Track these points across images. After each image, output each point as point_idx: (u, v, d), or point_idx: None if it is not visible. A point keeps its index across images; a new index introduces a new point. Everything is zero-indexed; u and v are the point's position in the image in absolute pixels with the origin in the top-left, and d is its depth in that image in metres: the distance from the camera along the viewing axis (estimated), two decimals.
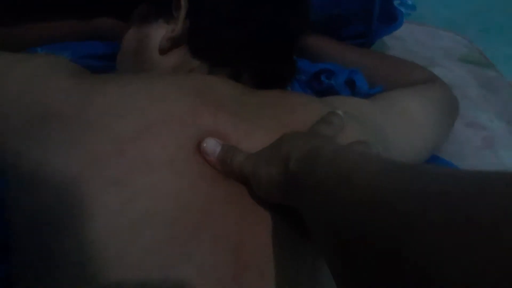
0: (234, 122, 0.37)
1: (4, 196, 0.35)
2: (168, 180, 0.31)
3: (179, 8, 0.44)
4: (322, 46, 0.68)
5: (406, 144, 0.52)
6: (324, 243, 0.24)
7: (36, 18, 0.55)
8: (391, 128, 0.50)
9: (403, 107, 0.55)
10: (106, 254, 0.28)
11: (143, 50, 0.46)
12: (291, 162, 0.28)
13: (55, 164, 0.32)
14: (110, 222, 0.29)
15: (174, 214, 0.30)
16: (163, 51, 0.45)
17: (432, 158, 0.62)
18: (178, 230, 0.29)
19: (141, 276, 0.27)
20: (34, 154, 0.33)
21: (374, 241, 0.19)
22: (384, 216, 0.19)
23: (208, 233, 0.30)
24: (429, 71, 0.68)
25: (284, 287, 0.29)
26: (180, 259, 0.28)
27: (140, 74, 0.41)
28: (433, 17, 1.10)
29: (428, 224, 0.16)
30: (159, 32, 0.46)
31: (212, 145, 0.33)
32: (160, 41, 0.44)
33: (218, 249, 0.29)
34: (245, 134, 0.36)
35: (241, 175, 0.32)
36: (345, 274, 0.21)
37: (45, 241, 0.30)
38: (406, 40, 0.93)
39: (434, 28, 1.03)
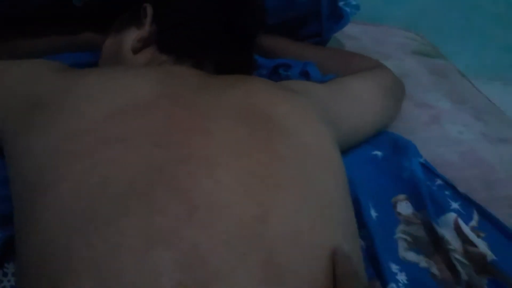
0: (190, 110, 0.42)
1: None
2: (123, 152, 0.37)
3: (146, 15, 0.54)
4: (279, 45, 0.78)
5: (352, 116, 0.61)
6: None
7: (28, 34, 0.64)
8: (338, 105, 0.59)
9: (350, 88, 0.64)
10: (75, 208, 0.33)
11: (119, 52, 0.56)
12: None
13: (39, 141, 0.39)
14: (76, 184, 0.35)
15: (130, 176, 0.35)
16: (135, 50, 0.54)
17: (383, 133, 0.70)
18: (135, 187, 0.34)
19: (105, 217, 0.32)
20: (25, 133, 0.41)
21: None
22: None
23: (164, 187, 0.35)
24: (374, 59, 0.77)
25: (231, 222, 0.34)
26: (139, 205, 0.33)
27: (114, 67, 0.50)
28: (389, 17, 1.21)
29: None
30: (132, 37, 0.55)
31: None
32: (132, 42, 0.54)
33: (171, 197, 0.34)
34: (200, 123, 0.41)
35: None
36: None
37: (26, 204, 0.37)
38: (362, 39, 1.03)
39: (389, 27, 1.14)
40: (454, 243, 0.54)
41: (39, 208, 0.35)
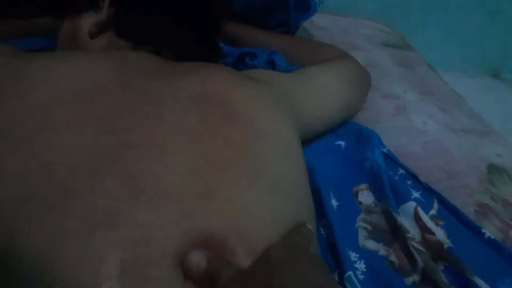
0: (141, 96, 0.41)
1: None
2: (67, 137, 0.36)
3: None
4: (245, 33, 0.77)
5: (317, 105, 0.61)
6: None
7: None
8: (301, 93, 0.59)
9: (315, 77, 0.64)
10: (17, 195, 0.32)
11: (76, 37, 0.54)
12: None
13: None
14: (18, 170, 0.34)
15: (74, 161, 0.34)
16: (92, 35, 0.52)
17: (347, 124, 0.71)
18: (78, 172, 0.34)
19: (47, 202, 0.32)
20: None
21: None
22: None
23: (108, 171, 0.34)
24: (341, 49, 0.77)
25: (176, 200, 0.34)
26: (82, 189, 0.33)
27: (66, 51, 0.48)
28: (359, 9, 1.21)
29: None
30: (89, 21, 0.53)
31: (197, 259, 0.31)
32: (89, 27, 0.52)
33: (116, 181, 0.34)
34: (151, 108, 0.40)
35: None
36: None
37: None
38: (331, 30, 1.03)
39: (359, 19, 1.14)
40: (413, 231, 0.55)
41: None
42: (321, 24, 1.00)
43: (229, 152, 0.39)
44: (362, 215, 0.57)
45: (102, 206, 0.32)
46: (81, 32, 0.53)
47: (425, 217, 0.56)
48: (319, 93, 0.62)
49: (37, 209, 0.32)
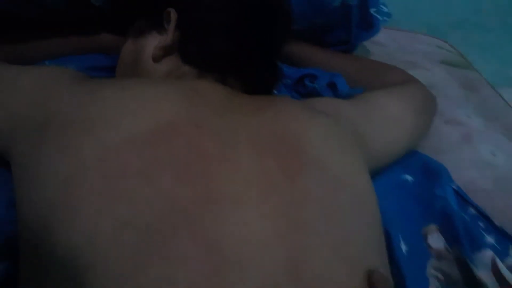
0: (216, 137, 0.38)
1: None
2: (142, 186, 0.32)
3: (170, 21, 0.49)
4: (306, 53, 0.73)
5: (384, 138, 0.56)
6: None
7: (43, 35, 0.59)
8: (368, 124, 0.55)
9: (380, 105, 0.59)
10: (88, 254, 0.29)
11: (139, 59, 0.51)
12: None
13: (50, 167, 0.35)
14: (92, 225, 0.30)
15: (148, 219, 0.31)
16: (156, 59, 0.49)
17: (413, 155, 0.66)
18: (154, 233, 0.30)
19: (120, 272, 0.28)
20: (35, 156, 0.37)
21: None
22: None
23: (188, 234, 0.31)
24: (407, 72, 0.72)
25: (260, 279, 0.30)
26: (159, 256, 0.29)
27: (131, 80, 0.44)
28: (415, 23, 1.15)
29: None
30: (153, 43, 0.51)
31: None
32: (153, 50, 0.49)
33: (196, 248, 0.30)
34: (226, 152, 0.37)
35: None
36: None
37: (39, 235, 0.32)
38: (388, 46, 0.98)
39: (415, 34, 1.08)
40: (491, 286, 0.50)
41: (44, 251, 0.31)
42: (377, 40, 0.95)
43: (308, 209, 0.36)
44: (433, 262, 0.53)
45: (181, 280, 0.29)
46: (144, 54, 0.51)
47: (503, 269, 0.51)
48: (387, 125, 0.58)
49: (108, 280, 0.28)
